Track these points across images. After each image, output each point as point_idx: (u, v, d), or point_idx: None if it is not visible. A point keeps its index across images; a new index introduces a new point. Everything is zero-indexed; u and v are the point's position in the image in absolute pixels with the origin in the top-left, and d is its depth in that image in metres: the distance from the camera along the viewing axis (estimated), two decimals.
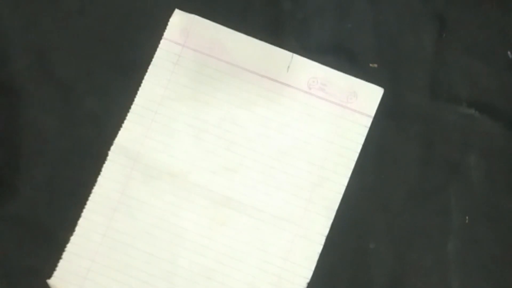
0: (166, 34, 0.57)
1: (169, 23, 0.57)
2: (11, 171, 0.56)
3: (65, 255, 0.54)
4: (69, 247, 0.54)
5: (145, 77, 0.57)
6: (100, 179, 0.55)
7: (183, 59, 0.57)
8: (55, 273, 0.54)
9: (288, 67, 0.57)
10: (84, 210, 0.55)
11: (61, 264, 0.54)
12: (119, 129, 0.56)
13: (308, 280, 0.54)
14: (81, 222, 0.55)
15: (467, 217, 0.54)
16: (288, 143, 0.56)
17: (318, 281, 0.54)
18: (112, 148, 0.56)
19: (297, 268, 0.54)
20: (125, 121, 0.56)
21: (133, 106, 0.56)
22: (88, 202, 0.55)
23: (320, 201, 0.55)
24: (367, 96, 0.56)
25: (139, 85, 0.56)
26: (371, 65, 0.57)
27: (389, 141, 0.56)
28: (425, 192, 0.55)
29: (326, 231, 0.54)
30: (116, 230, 0.55)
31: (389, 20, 0.57)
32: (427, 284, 0.54)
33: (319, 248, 0.54)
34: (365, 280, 0.54)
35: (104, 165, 0.55)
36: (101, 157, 0.56)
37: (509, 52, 0.57)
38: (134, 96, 0.56)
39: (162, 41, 0.57)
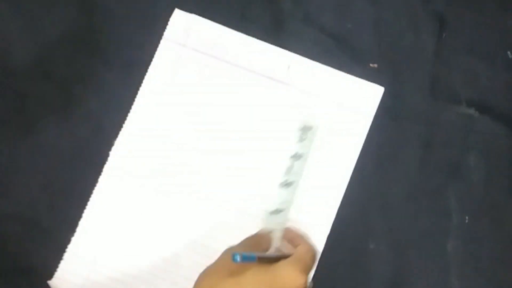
0: (166, 34, 0.57)
1: (169, 23, 0.57)
2: (11, 171, 0.56)
3: (66, 256, 0.54)
4: (70, 248, 0.54)
5: (146, 77, 0.57)
6: (101, 179, 0.55)
7: (183, 59, 0.57)
8: (56, 274, 0.54)
9: (289, 66, 0.57)
10: (85, 211, 0.55)
11: (62, 265, 0.54)
12: (119, 129, 0.56)
13: (309, 279, 0.54)
14: (82, 222, 0.55)
15: (467, 217, 0.55)
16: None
17: (319, 280, 0.54)
18: (113, 148, 0.56)
19: None
20: (126, 121, 0.56)
21: (133, 106, 0.56)
22: (88, 203, 0.55)
23: (321, 200, 0.55)
24: (367, 96, 0.56)
25: (140, 85, 0.56)
26: (371, 65, 0.57)
27: (389, 141, 0.56)
28: (425, 192, 0.55)
29: (327, 230, 0.55)
30: (117, 231, 0.55)
31: (389, 20, 0.57)
32: (427, 284, 0.54)
33: (321, 247, 0.54)
34: (365, 280, 0.54)
35: (105, 166, 0.55)
36: (102, 157, 0.56)
37: (509, 52, 0.57)
38: (135, 96, 0.56)
39: (162, 41, 0.57)
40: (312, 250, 0.51)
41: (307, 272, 0.49)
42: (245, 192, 0.55)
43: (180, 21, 0.57)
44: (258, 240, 0.52)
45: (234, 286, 0.46)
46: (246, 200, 0.55)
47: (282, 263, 0.48)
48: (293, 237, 0.53)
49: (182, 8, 0.57)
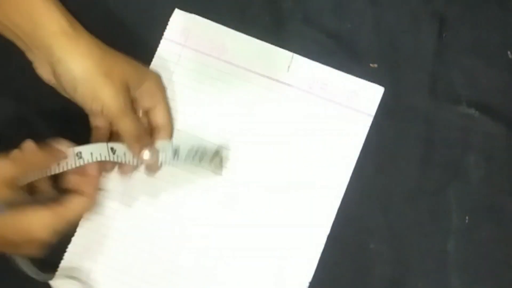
0: (166, 34, 0.57)
1: (169, 23, 0.57)
2: None
3: (66, 255, 0.54)
4: (70, 248, 0.54)
5: None
6: (101, 179, 0.55)
7: (183, 59, 0.57)
8: (57, 274, 0.54)
9: (289, 66, 0.57)
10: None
11: (63, 264, 0.54)
12: None
13: (309, 280, 0.54)
14: (81, 222, 0.55)
15: (467, 217, 0.55)
16: (288, 143, 0.56)
17: (319, 280, 0.54)
18: None
19: (299, 267, 0.54)
20: None
21: None
22: None
23: (321, 200, 0.55)
24: (367, 96, 0.56)
25: None
26: (371, 65, 0.57)
27: (389, 141, 0.56)
28: (425, 192, 0.55)
29: (327, 230, 0.55)
30: (117, 231, 0.55)
31: (389, 20, 0.58)
32: (427, 284, 0.54)
33: (321, 247, 0.54)
34: (365, 280, 0.54)
35: None
36: None
37: (509, 52, 0.57)
38: None
39: (162, 41, 0.57)
40: (85, 207, 0.48)
41: (62, 228, 0.46)
42: (245, 189, 0.55)
43: (180, 21, 0.57)
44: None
45: None
46: (245, 197, 0.55)
47: (36, 211, 0.45)
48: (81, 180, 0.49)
49: (182, 8, 0.57)
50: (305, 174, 0.55)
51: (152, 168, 0.54)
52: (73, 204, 0.48)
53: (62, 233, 0.47)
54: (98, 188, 0.52)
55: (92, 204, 0.50)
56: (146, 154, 0.51)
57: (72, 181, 0.50)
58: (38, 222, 0.45)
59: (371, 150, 0.56)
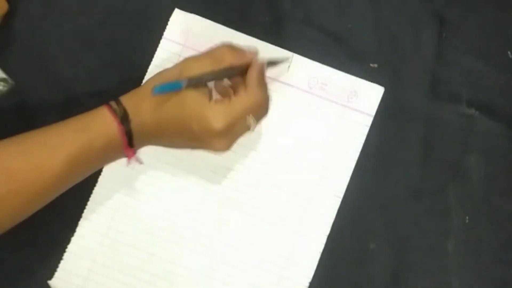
0: (166, 33, 0.57)
1: (169, 23, 0.57)
2: None
3: (66, 255, 0.54)
4: (70, 248, 0.54)
5: (146, 77, 0.57)
6: (101, 179, 0.55)
7: (183, 59, 0.57)
8: (56, 274, 0.54)
9: (289, 66, 0.57)
10: (85, 211, 0.55)
11: (62, 264, 0.54)
12: None
13: (309, 279, 0.54)
14: (81, 222, 0.55)
15: (467, 217, 0.55)
16: (289, 143, 0.56)
17: (319, 280, 0.54)
18: None
19: (299, 267, 0.54)
20: None
21: None
22: (88, 203, 0.55)
23: (321, 200, 0.55)
24: (367, 96, 0.56)
25: (140, 85, 0.56)
26: (371, 65, 0.57)
27: (389, 141, 0.56)
28: (425, 192, 0.55)
29: (327, 230, 0.55)
30: (117, 230, 0.55)
31: (389, 20, 0.58)
32: (427, 284, 0.54)
33: (321, 247, 0.54)
34: (365, 280, 0.55)
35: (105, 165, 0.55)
36: None
37: (509, 52, 0.57)
38: None
39: (162, 41, 0.57)
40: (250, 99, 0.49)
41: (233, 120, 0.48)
42: (245, 189, 0.55)
43: (180, 21, 0.57)
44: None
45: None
46: (245, 197, 0.55)
47: (212, 104, 0.48)
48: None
49: (182, 8, 0.57)
50: (305, 174, 0.55)
51: None
52: (241, 97, 0.49)
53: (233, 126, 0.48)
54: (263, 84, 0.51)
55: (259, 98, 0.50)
56: None
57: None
58: (213, 112, 0.48)
59: (371, 150, 0.56)
